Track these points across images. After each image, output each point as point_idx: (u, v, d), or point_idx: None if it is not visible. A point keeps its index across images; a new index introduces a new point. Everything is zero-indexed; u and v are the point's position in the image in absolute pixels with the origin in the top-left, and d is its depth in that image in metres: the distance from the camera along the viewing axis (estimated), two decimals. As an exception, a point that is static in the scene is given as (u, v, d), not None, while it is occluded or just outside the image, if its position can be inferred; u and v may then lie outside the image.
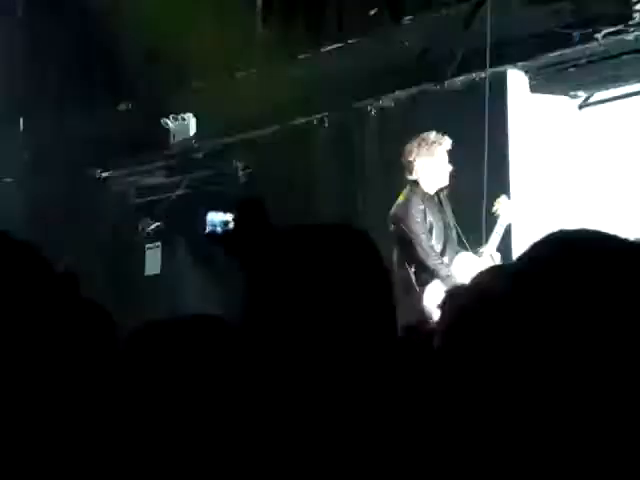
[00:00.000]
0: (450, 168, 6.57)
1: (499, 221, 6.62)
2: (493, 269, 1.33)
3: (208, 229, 7.39)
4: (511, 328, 1.23)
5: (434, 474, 1.40)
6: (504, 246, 6.89)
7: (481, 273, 1.43)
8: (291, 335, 1.47)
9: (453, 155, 6.56)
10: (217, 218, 7.35)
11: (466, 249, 6.60)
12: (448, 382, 1.46)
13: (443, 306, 2.17)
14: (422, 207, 6.49)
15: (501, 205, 6.67)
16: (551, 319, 1.21)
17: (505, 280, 1.29)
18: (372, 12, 8.19)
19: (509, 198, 6.83)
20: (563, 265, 1.24)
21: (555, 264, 1.24)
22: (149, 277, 9.96)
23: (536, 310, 1.22)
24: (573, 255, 1.24)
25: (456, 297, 1.68)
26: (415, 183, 6.57)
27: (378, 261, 1.52)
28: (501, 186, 7.03)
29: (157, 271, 9.93)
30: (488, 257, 6.51)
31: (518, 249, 7.52)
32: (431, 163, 6.53)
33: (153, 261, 9.93)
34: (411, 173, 6.57)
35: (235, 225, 7.17)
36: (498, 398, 1.23)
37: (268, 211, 7.53)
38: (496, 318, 1.25)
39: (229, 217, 7.26)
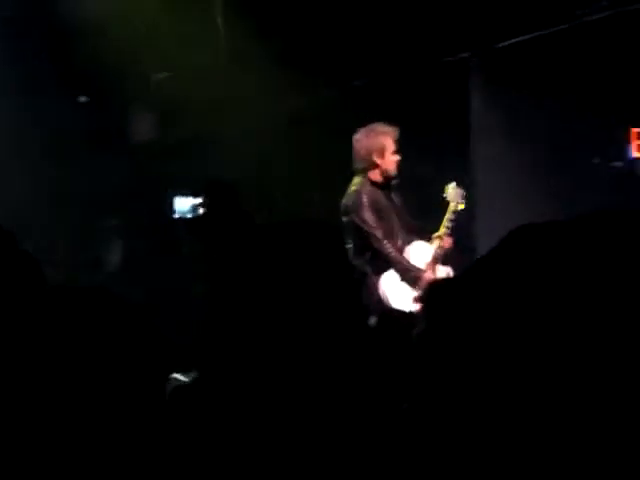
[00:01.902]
0: (398, 158, 6.53)
1: (450, 207, 6.58)
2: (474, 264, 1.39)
3: (177, 214, 7.31)
4: (492, 318, 1.28)
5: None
6: (466, 233, 6.87)
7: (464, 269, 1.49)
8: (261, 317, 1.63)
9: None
10: (186, 203, 7.27)
11: (417, 238, 6.56)
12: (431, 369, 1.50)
13: (425, 297, 2.18)
14: (373, 196, 6.45)
15: (450, 191, 6.63)
16: (532, 307, 1.26)
17: (482, 273, 1.34)
18: None
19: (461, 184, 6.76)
20: (538, 257, 1.28)
21: (530, 257, 1.29)
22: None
23: (516, 300, 1.27)
24: (548, 247, 1.29)
25: (438, 289, 1.81)
26: (364, 173, 6.52)
27: (345, 258, 1.75)
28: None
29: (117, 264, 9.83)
30: (437, 242, 6.48)
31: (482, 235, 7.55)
32: (379, 153, 6.49)
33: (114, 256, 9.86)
34: (360, 163, 6.53)
35: (206, 209, 7.08)
36: (482, 376, 1.27)
37: (238, 195, 7.44)
38: (477, 310, 1.31)
39: (197, 201, 7.18)
